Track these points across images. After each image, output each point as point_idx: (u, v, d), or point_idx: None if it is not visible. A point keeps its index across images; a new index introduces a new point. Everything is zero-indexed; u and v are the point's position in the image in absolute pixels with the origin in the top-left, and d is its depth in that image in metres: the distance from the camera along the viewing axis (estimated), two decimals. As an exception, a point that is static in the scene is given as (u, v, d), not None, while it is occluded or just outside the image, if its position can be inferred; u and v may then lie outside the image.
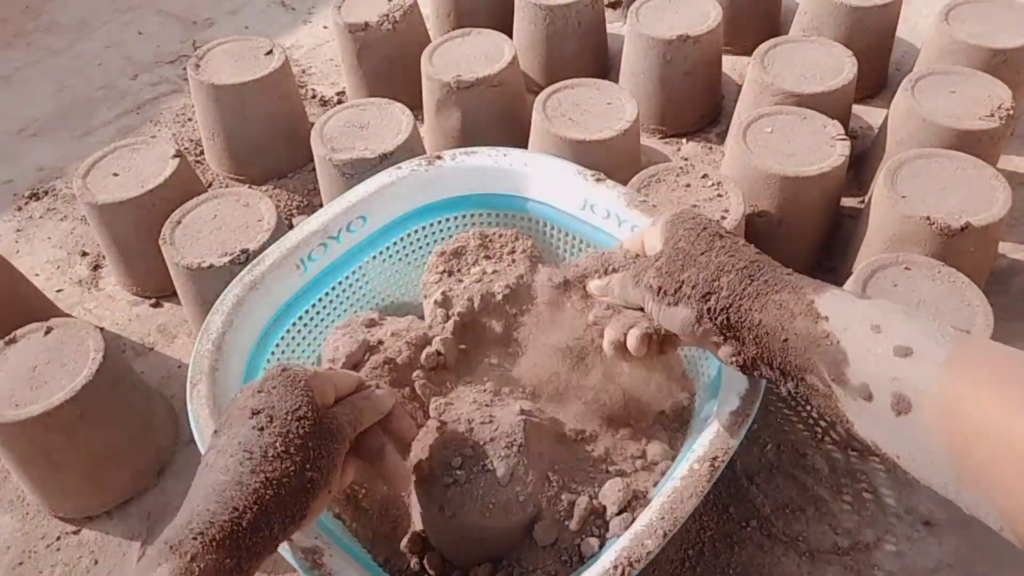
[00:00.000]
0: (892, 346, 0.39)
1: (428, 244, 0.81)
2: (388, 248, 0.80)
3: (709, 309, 0.47)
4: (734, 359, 0.48)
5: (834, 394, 0.42)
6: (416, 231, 0.81)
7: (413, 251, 0.81)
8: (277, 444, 0.45)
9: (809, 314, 0.43)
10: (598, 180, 0.75)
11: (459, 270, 0.76)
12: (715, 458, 0.56)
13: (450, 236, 0.81)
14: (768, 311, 0.45)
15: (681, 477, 0.55)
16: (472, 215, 0.81)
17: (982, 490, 0.35)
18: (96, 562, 0.79)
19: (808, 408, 0.84)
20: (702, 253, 0.49)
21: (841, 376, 0.41)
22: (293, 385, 0.49)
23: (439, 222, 0.81)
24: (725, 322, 0.47)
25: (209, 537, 0.41)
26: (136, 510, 0.83)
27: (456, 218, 0.81)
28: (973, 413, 0.36)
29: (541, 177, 0.78)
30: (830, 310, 0.43)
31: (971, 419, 0.36)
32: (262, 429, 0.46)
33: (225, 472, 0.44)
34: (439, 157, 0.80)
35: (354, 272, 0.78)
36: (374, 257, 0.79)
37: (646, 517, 0.53)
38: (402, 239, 0.80)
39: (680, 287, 0.48)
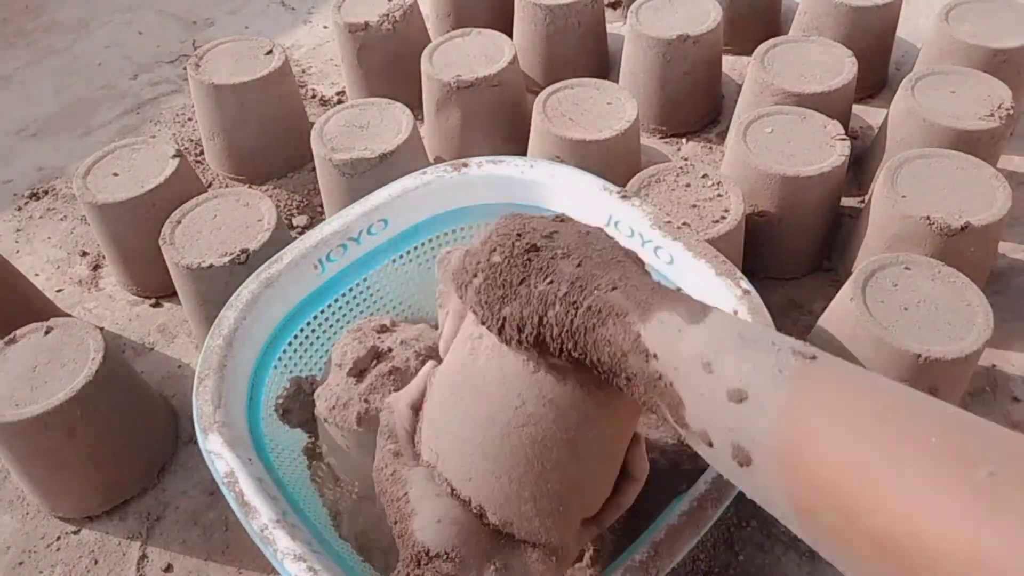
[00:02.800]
0: (725, 389, 0.34)
1: (448, 252, 0.81)
2: (408, 253, 0.79)
3: (547, 351, 0.41)
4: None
5: (686, 436, 0.38)
6: (437, 237, 0.80)
7: (432, 258, 0.81)
8: None
9: (638, 351, 0.38)
10: (623, 197, 0.74)
11: None
12: (717, 497, 0.54)
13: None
14: (600, 349, 0.39)
15: (680, 514, 0.54)
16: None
17: (835, 554, 0.32)
18: (96, 562, 0.79)
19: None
20: (520, 282, 0.42)
21: (681, 419, 0.37)
22: None
23: (460, 229, 0.80)
24: (569, 358, 0.41)
25: None
26: (136, 510, 0.83)
27: (478, 226, 0.81)
28: (815, 475, 0.31)
29: (566, 190, 0.77)
30: (658, 345, 0.37)
31: (813, 482, 0.31)
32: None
33: None
34: (465, 164, 0.79)
35: (372, 275, 0.78)
36: (393, 261, 0.79)
37: (639, 555, 0.53)
38: (422, 244, 0.80)
39: (503, 326, 0.42)
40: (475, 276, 0.44)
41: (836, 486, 0.30)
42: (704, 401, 0.35)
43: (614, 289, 0.40)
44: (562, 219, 0.46)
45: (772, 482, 0.33)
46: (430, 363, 0.56)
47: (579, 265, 0.41)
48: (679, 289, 0.41)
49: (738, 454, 0.34)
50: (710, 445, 0.36)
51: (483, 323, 0.44)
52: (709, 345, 0.36)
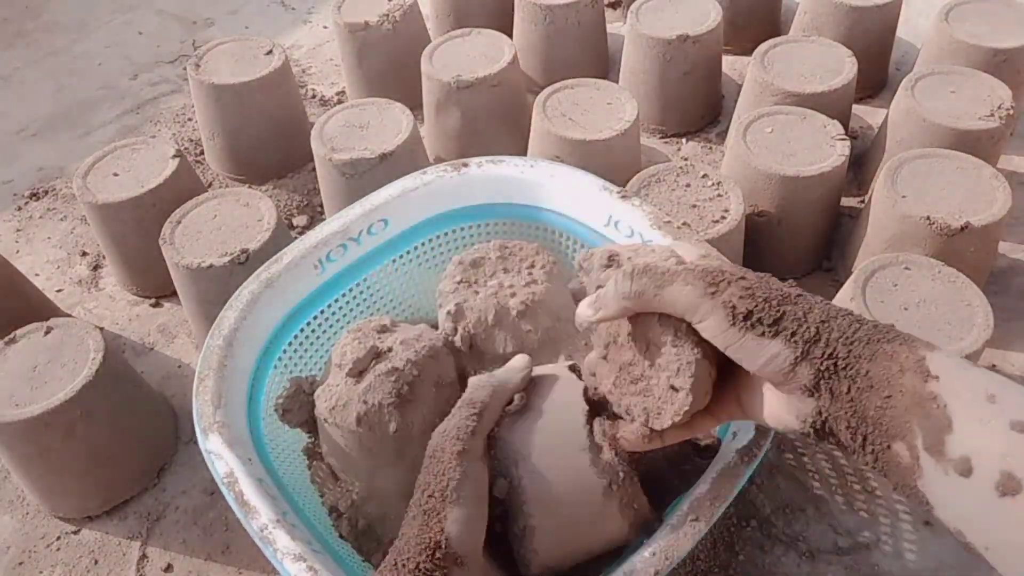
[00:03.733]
0: (1008, 420, 0.35)
1: (448, 252, 0.81)
2: (407, 253, 0.79)
3: (815, 352, 0.41)
4: (812, 420, 0.42)
5: (920, 468, 0.37)
6: (437, 237, 0.80)
7: (432, 258, 0.81)
8: None
9: (919, 371, 0.38)
10: (623, 197, 0.74)
11: (476, 281, 0.76)
12: (717, 497, 0.54)
13: (471, 245, 0.80)
14: (877, 361, 0.39)
15: (680, 514, 0.54)
16: (494, 224, 0.81)
17: None
18: (96, 562, 0.79)
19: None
20: (798, 294, 0.43)
21: (939, 446, 0.36)
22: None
23: (460, 230, 0.80)
24: (831, 368, 0.40)
25: None
26: (136, 510, 0.83)
27: (478, 227, 0.81)
28: None
29: (566, 190, 0.77)
30: (942, 370, 0.38)
31: None
32: None
33: None
34: (465, 164, 0.79)
35: (372, 275, 0.78)
36: (393, 261, 0.79)
37: (639, 554, 0.52)
38: (422, 244, 0.80)
39: (780, 318, 0.41)
40: (739, 277, 0.43)
41: None
42: (981, 426, 0.36)
43: (894, 326, 0.41)
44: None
45: None
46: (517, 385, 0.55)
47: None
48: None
49: (1005, 482, 0.34)
50: (967, 474, 0.36)
51: (745, 318, 0.42)
52: (993, 383, 0.37)
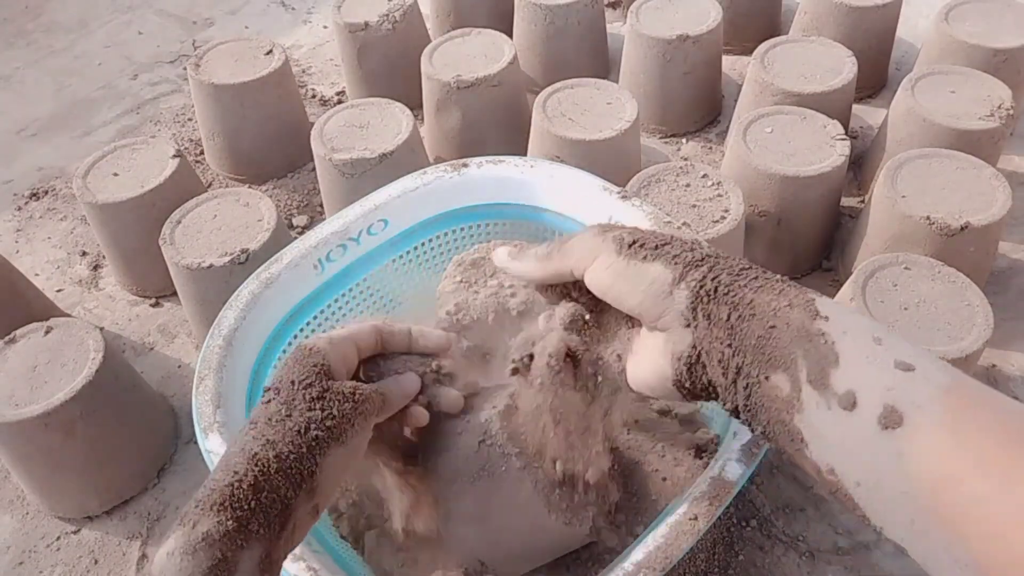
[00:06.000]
0: (893, 359, 0.35)
1: (448, 252, 0.81)
2: (407, 253, 0.79)
3: (695, 275, 0.41)
4: (688, 355, 0.41)
5: (800, 402, 0.37)
6: (437, 237, 0.80)
7: (432, 258, 0.81)
8: (281, 411, 0.46)
9: (807, 309, 0.38)
10: (623, 197, 0.75)
11: (476, 281, 0.76)
12: (716, 497, 0.54)
13: (471, 245, 0.80)
14: (763, 292, 0.39)
15: (680, 514, 0.54)
16: (494, 224, 0.81)
17: (958, 534, 0.32)
18: (96, 562, 0.79)
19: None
20: (708, 252, 0.43)
21: (823, 379, 0.36)
22: (303, 357, 0.48)
23: (460, 229, 0.80)
24: (711, 292, 0.40)
25: (209, 502, 0.41)
26: (136, 510, 0.83)
27: (478, 227, 0.81)
28: (973, 450, 0.32)
29: (566, 190, 0.77)
30: (831, 312, 0.38)
31: (970, 454, 0.32)
32: (269, 402, 0.47)
33: (233, 445, 0.45)
34: (465, 164, 0.79)
35: (372, 275, 0.78)
36: (393, 261, 0.79)
37: (638, 554, 0.52)
38: (422, 245, 0.80)
39: (665, 244, 0.43)
40: (626, 232, 0.45)
41: (992, 464, 0.31)
42: (867, 363, 0.36)
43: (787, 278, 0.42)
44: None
45: (921, 446, 0.33)
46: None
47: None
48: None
49: (888, 415, 0.34)
50: (851, 407, 0.35)
51: (631, 246, 0.43)
52: (879, 328, 0.37)
